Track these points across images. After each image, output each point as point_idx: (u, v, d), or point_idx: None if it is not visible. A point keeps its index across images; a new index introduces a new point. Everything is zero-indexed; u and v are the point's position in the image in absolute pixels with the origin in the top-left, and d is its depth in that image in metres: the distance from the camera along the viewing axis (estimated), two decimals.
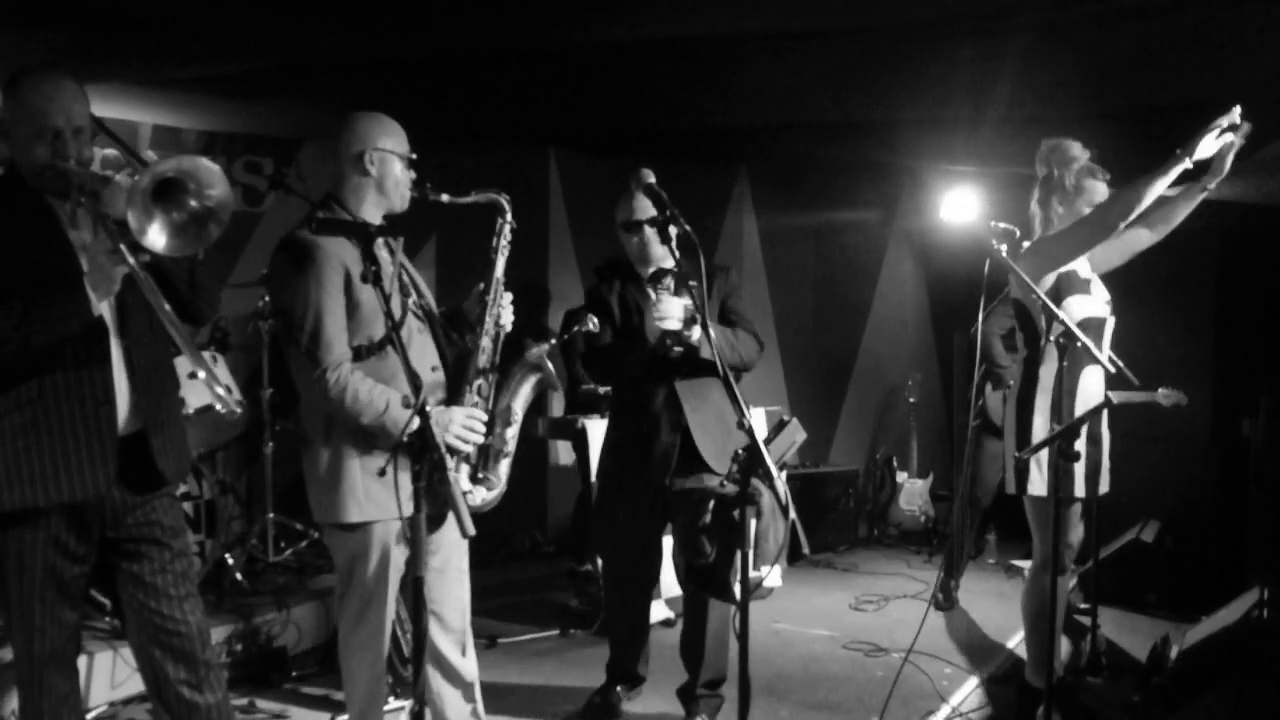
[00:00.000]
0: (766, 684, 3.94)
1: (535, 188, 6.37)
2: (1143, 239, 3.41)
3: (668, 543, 3.56)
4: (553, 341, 2.92)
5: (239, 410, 4.15)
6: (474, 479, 2.72)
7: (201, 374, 2.15)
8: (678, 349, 3.29)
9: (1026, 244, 3.33)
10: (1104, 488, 3.39)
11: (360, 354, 2.55)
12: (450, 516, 2.36)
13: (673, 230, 2.75)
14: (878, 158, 6.41)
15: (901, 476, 6.80)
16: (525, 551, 6.09)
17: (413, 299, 2.70)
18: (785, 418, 2.67)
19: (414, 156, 2.70)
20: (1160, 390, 4.51)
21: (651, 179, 2.79)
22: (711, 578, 3.21)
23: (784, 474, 2.55)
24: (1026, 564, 3.56)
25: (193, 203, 2.12)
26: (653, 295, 3.40)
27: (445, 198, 2.69)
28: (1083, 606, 4.48)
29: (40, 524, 2.27)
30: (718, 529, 3.15)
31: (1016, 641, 4.42)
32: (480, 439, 2.65)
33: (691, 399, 3.37)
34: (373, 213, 2.68)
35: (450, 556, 2.77)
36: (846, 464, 6.94)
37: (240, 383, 4.48)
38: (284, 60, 4.34)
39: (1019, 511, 3.42)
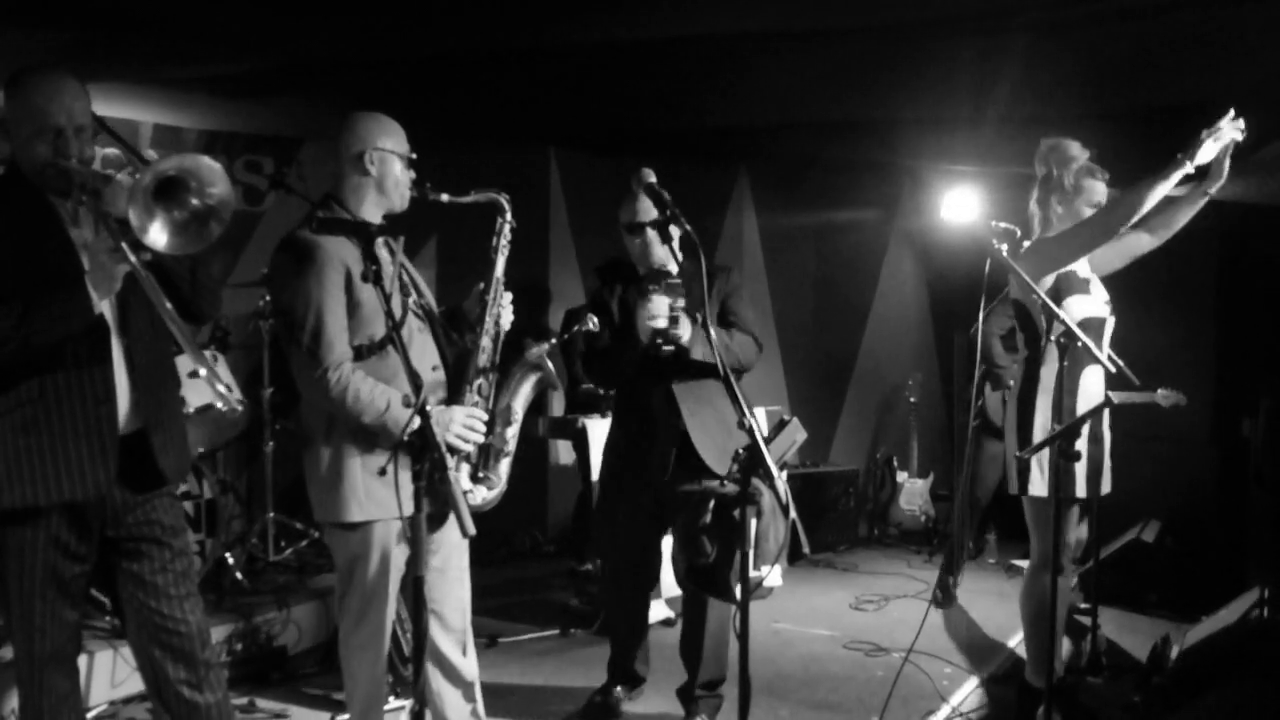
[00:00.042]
0: (766, 684, 3.94)
1: (535, 187, 6.37)
2: (1143, 243, 3.40)
3: (668, 543, 3.56)
4: (553, 341, 2.93)
5: (240, 409, 4.15)
6: (474, 478, 2.72)
7: (203, 372, 2.15)
8: (667, 348, 3.30)
9: (1026, 244, 3.33)
10: (1106, 487, 3.39)
11: (361, 353, 2.55)
12: (451, 516, 2.36)
13: (674, 231, 2.75)
14: (878, 157, 6.40)
15: (902, 476, 6.80)
16: (525, 551, 6.08)
17: (413, 298, 2.70)
18: (785, 417, 2.66)
19: (414, 156, 2.70)
20: (1160, 391, 4.51)
21: (652, 179, 2.79)
22: (712, 577, 3.22)
23: (784, 474, 2.54)
24: (1026, 563, 3.56)
25: (194, 201, 2.12)
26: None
27: (445, 197, 2.70)
28: (1083, 606, 4.47)
29: (41, 523, 2.27)
30: (718, 529, 3.15)
31: (1017, 641, 4.42)
32: (480, 438, 2.66)
33: (690, 401, 3.36)
34: (373, 212, 2.68)
35: (451, 556, 2.78)
36: (847, 464, 6.92)
37: (241, 382, 4.47)
38: (284, 60, 4.34)
39: (1019, 511, 3.42)
